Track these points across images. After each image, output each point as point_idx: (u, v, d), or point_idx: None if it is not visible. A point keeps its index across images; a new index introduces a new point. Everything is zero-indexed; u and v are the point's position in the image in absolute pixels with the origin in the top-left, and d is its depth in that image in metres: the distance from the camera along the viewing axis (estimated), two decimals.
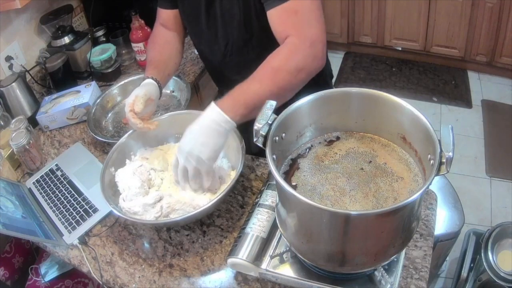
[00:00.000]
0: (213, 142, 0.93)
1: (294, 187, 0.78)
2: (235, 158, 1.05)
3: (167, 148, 1.16)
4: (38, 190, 1.22)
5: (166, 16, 1.25)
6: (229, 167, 1.08)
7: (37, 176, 1.26)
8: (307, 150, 0.85)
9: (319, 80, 1.29)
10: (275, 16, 0.99)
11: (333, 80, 1.44)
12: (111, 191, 1.04)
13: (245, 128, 1.02)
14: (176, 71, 1.29)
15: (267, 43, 1.05)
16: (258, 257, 0.86)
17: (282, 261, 0.87)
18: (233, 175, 1.03)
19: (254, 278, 0.92)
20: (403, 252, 0.88)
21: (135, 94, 1.08)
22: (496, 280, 1.50)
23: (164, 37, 1.26)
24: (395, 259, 0.86)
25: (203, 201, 0.99)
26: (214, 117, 0.92)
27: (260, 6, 1.02)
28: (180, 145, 0.95)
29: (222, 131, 0.93)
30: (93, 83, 1.51)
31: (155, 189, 1.06)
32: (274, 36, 1.02)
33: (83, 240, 1.06)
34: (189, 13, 1.18)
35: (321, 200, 0.75)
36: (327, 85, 1.35)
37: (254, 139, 0.74)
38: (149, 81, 1.12)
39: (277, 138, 0.77)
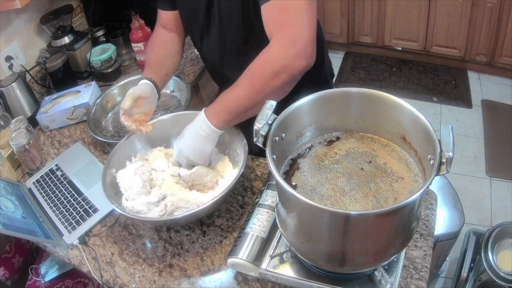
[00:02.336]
0: (199, 146, 1.01)
1: (294, 187, 0.78)
2: (238, 157, 1.06)
3: (167, 149, 1.16)
4: (38, 190, 1.22)
5: (166, 17, 1.25)
6: (231, 166, 1.09)
7: (37, 176, 1.26)
8: (307, 150, 0.85)
9: (320, 79, 1.29)
10: (265, 13, 0.99)
11: (333, 80, 1.44)
12: (113, 191, 1.04)
13: (245, 128, 1.02)
14: (175, 71, 1.29)
15: (266, 42, 1.05)
16: (258, 257, 0.86)
17: (282, 261, 0.87)
18: (235, 173, 1.03)
19: (254, 278, 0.92)
20: (403, 252, 0.88)
21: (126, 95, 1.09)
22: (496, 280, 1.50)
23: (162, 38, 1.27)
24: (395, 259, 0.86)
25: (207, 198, 0.99)
26: (201, 123, 0.99)
27: (259, 4, 1.02)
28: (176, 141, 1.06)
29: (207, 137, 1.00)
30: (93, 83, 1.51)
31: (157, 189, 1.06)
32: None
33: (83, 240, 1.06)
34: (188, 13, 1.19)
35: (321, 200, 0.75)
36: (328, 85, 1.35)
37: (254, 139, 0.74)
38: (143, 81, 1.13)
39: (277, 138, 0.77)
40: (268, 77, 0.93)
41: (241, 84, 0.96)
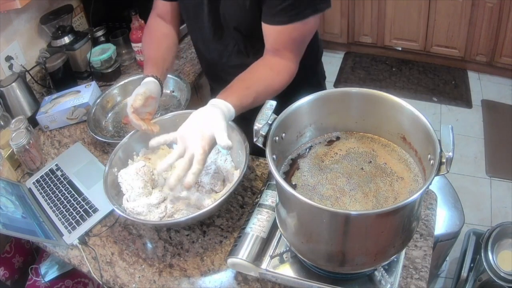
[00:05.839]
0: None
1: (294, 187, 0.78)
2: (239, 159, 1.05)
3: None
4: (38, 190, 1.22)
5: (164, 8, 1.24)
6: (233, 167, 1.08)
7: (37, 176, 1.26)
8: (307, 150, 0.85)
9: (313, 81, 1.30)
10: (271, 32, 1.02)
11: (333, 80, 1.45)
12: (114, 191, 1.03)
13: (245, 128, 1.02)
14: (173, 63, 1.28)
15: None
16: (258, 257, 0.86)
17: (282, 261, 0.87)
18: (236, 175, 1.03)
19: (254, 278, 0.92)
20: (403, 252, 0.88)
21: (136, 93, 1.07)
22: (496, 280, 1.51)
23: (160, 30, 1.25)
24: (395, 259, 0.86)
25: (207, 201, 0.99)
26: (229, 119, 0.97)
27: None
28: (203, 132, 0.91)
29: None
30: (93, 83, 1.51)
31: (159, 190, 1.05)
32: None
33: (83, 240, 1.06)
34: (190, 10, 1.17)
35: (321, 200, 0.75)
36: (320, 86, 1.36)
37: (254, 139, 0.74)
38: (149, 79, 1.11)
39: (277, 138, 0.77)
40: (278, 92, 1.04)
41: (262, 98, 0.98)
